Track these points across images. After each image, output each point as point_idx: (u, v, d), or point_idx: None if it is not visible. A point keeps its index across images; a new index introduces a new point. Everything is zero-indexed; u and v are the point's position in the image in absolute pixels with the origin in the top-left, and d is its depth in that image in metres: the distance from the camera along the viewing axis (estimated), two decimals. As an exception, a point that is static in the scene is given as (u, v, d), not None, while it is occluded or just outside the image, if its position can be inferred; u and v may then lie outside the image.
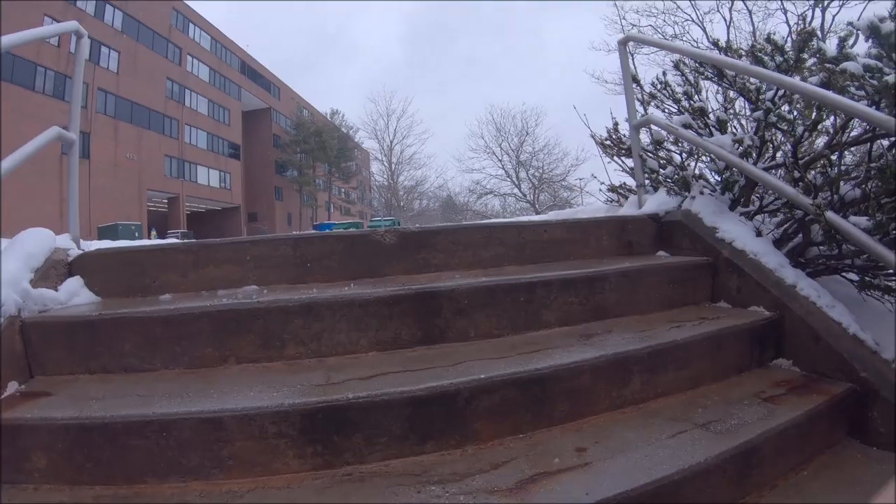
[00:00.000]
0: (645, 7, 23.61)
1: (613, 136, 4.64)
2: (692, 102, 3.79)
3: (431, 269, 2.90)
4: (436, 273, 2.88)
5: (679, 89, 3.96)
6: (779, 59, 3.20)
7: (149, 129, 39.48)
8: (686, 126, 3.66)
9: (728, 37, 20.77)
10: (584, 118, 4.95)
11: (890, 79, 2.37)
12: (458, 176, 56.29)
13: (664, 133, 3.95)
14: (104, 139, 34.62)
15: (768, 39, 3.36)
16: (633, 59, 4.36)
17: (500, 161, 50.12)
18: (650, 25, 22.13)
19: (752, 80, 3.34)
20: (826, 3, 19.82)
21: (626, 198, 4.39)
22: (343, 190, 71.25)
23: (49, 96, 30.43)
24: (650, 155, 4.13)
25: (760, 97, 3.28)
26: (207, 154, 46.42)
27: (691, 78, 3.87)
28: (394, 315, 2.32)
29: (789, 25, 20.08)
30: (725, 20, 21.90)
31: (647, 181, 4.08)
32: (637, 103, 4.21)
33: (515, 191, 50.13)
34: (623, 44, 4.19)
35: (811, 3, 20.16)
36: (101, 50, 35.21)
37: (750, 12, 21.34)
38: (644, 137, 4.30)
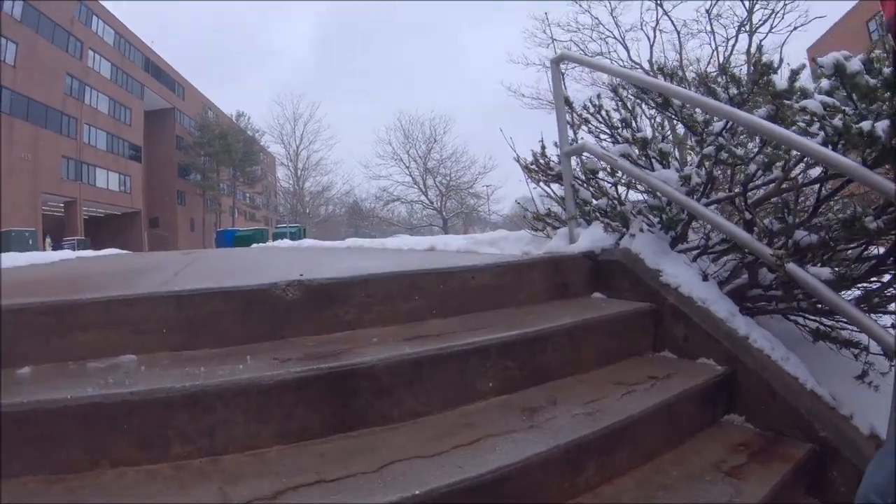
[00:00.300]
0: (567, 22, 23.15)
1: (541, 161, 4.34)
2: (633, 132, 3.56)
3: (343, 328, 2.46)
4: (348, 332, 2.45)
5: (616, 115, 3.76)
6: (733, 91, 3.05)
7: (45, 129, 37.12)
8: (624, 156, 3.38)
9: (651, 56, 20.66)
10: (511, 141, 4.66)
11: (865, 125, 2.23)
12: (365, 182, 56.43)
13: (599, 162, 3.71)
14: (-3, 137, 32.33)
15: (723, 70, 3.26)
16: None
17: (408, 168, 50.74)
18: (572, 41, 22.00)
19: (697, 111, 3.16)
20: (754, 28, 20.92)
21: (554, 228, 4.14)
22: (248, 195, 69.52)
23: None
24: (582, 185, 3.90)
25: (707, 129, 3.09)
26: (107, 155, 44.10)
27: (629, 104, 3.67)
28: (301, 401, 1.91)
29: (713, 47, 21.19)
30: (649, 39, 21.89)
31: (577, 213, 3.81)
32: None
33: (423, 198, 50.83)
34: (556, 63, 3.87)
35: (735, 27, 21.14)
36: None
37: (678, 32, 21.49)
38: (573, 164, 4.02)
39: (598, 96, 3.96)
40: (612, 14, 21.42)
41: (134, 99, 48.47)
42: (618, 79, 3.83)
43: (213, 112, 62.92)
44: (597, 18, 21.94)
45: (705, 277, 2.96)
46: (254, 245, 25.49)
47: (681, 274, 2.94)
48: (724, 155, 2.91)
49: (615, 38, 21.88)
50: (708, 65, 20.19)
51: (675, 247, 3.26)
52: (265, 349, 2.23)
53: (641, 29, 22.06)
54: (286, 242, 17.11)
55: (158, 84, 53.02)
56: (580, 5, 22.21)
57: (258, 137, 63.61)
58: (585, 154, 3.78)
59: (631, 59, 21.05)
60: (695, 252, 3.22)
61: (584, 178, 3.93)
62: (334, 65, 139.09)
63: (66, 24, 39.21)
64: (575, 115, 4.09)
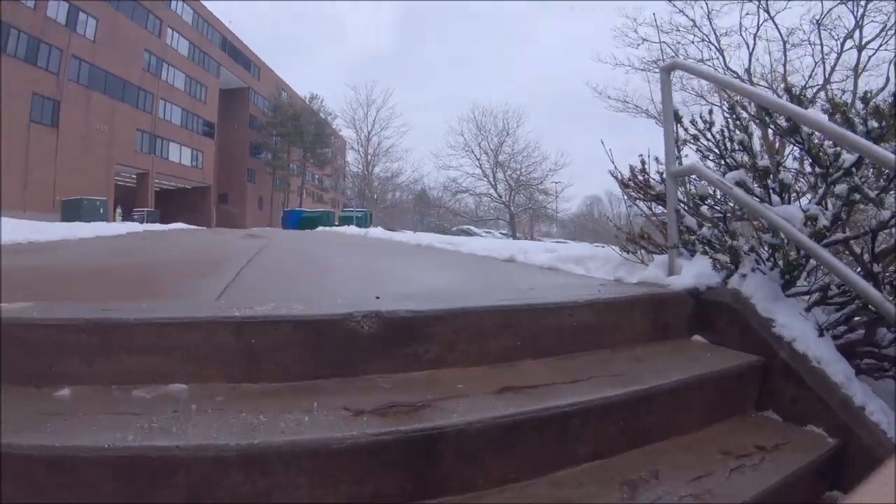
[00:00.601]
0: (661, 22, 20.47)
1: (639, 178, 4.05)
2: (753, 158, 3.18)
3: (423, 366, 2.19)
4: (429, 371, 2.18)
5: (734, 136, 3.39)
6: (873, 125, 2.67)
7: (122, 102, 38.20)
8: (739, 184, 3.00)
9: (750, 65, 18.56)
10: (610, 153, 4.16)
11: None
12: (434, 172, 55.90)
13: (709, 187, 3.33)
14: (75, 108, 33.50)
15: (864, 101, 2.84)
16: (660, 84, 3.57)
17: (479, 160, 50.30)
18: (664, 43, 19.81)
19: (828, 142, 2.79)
20: (864, 42, 18.50)
21: (647, 251, 3.80)
22: (317, 176, 70.40)
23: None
24: (688, 210, 3.52)
25: (835, 163, 2.73)
26: (181, 131, 45.21)
27: (744, 124, 3.34)
28: (376, 466, 1.65)
29: (815, 60, 18.86)
30: (748, 46, 19.04)
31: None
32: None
33: (491, 191, 50.40)
34: (667, 71, 3.42)
35: (840, 39, 18.64)
36: (79, 16, 33.98)
37: (784, 41, 18.70)
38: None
39: (711, 112, 3.61)
40: (708, 17, 19.00)
41: (210, 77, 49.50)
42: (737, 96, 3.48)
43: (286, 93, 63.88)
44: (692, 20, 19.41)
45: (821, 332, 2.58)
46: (320, 228, 25.56)
47: (795, 326, 2.59)
48: (856, 196, 2.60)
49: (710, 42, 19.28)
50: (810, 78, 18.37)
51: (787, 290, 2.89)
52: (334, 389, 1.98)
53: (740, 34, 19.14)
54: (352, 230, 17.01)
55: (235, 63, 53.91)
56: (674, 5, 19.74)
57: (330, 120, 64.23)
58: (694, 177, 3.49)
59: (727, 66, 18.64)
60: (809, 300, 2.83)
61: (689, 203, 3.57)
62: (409, 52, 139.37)
63: (146, 2, 40.22)
64: (683, 130, 3.70)
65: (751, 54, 18.48)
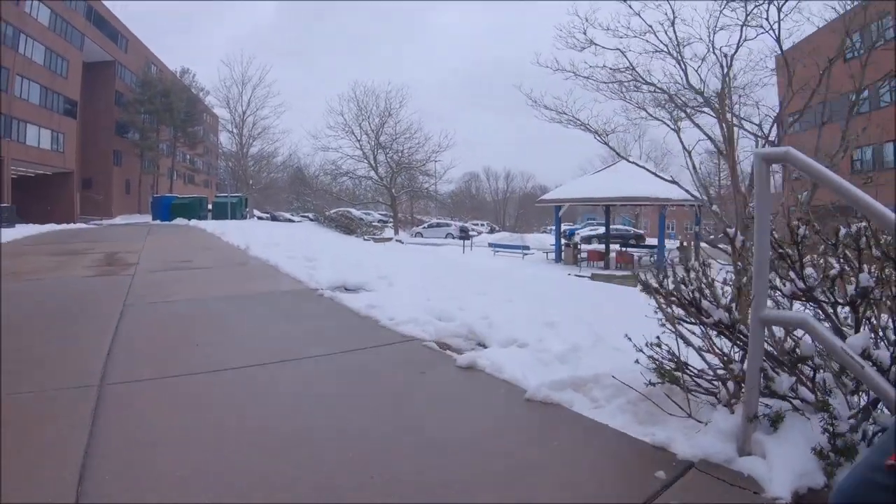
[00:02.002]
0: (613, 26, 16.67)
1: (688, 296, 3.02)
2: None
3: None
4: None
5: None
6: None
7: (-29, 80, 34.35)
8: (865, 355, 2.18)
9: (727, 86, 15.20)
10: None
11: None
12: (313, 154, 53.70)
13: (814, 345, 2.53)
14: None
15: None
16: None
17: (359, 141, 49.36)
18: (618, 48, 16.63)
19: None
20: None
21: (686, 390, 2.94)
22: (188, 156, 66.71)
23: None
24: (775, 368, 2.66)
25: None
26: (40, 111, 41.17)
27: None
28: None
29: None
30: (722, 63, 15.37)
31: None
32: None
33: (372, 173, 49.79)
34: (767, 161, 2.36)
35: None
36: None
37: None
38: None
39: (800, 226, 2.68)
40: (672, 23, 15.72)
41: (73, 49, 45.34)
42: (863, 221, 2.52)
43: (156, 67, 59.79)
44: (650, 26, 16.09)
45: None
46: (195, 225, 23.81)
47: None
48: None
49: (668, 52, 16.01)
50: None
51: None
52: None
53: (711, 49, 15.75)
54: (231, 236, 14.20)
55: (100, 34, 49.83)
56: (630, 6, 16.36)
57: (202, 96, 60.83)
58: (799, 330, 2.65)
59: (688, 83, 15.65)
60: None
61: (779, 356, 2.71)
62: (295, 28, 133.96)
63: (3, -32, 36.08)
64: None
65: (726, 73, 15.32)
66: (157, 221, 37.41)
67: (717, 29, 15.34)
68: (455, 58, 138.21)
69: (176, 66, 63.01)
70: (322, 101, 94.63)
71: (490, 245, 33.72)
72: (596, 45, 16.47)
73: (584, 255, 30.57)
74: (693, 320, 3.05)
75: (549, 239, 46.69)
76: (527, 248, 32.30)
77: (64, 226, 24.32)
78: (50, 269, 9.51)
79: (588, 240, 42.16)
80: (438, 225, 51.04)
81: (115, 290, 7.17)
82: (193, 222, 29.06)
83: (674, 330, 3.12)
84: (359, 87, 49.13)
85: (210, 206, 43.72)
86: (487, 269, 15.45)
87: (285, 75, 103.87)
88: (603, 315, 6.68)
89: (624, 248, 32.32)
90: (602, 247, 33.72)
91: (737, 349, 2.91)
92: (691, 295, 2.99)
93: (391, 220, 51.70)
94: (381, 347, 4.69)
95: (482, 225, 63.17)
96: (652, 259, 29.62)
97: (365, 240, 29.92)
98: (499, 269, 17.14)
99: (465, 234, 45.54)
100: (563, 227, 49.67)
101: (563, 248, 31.68)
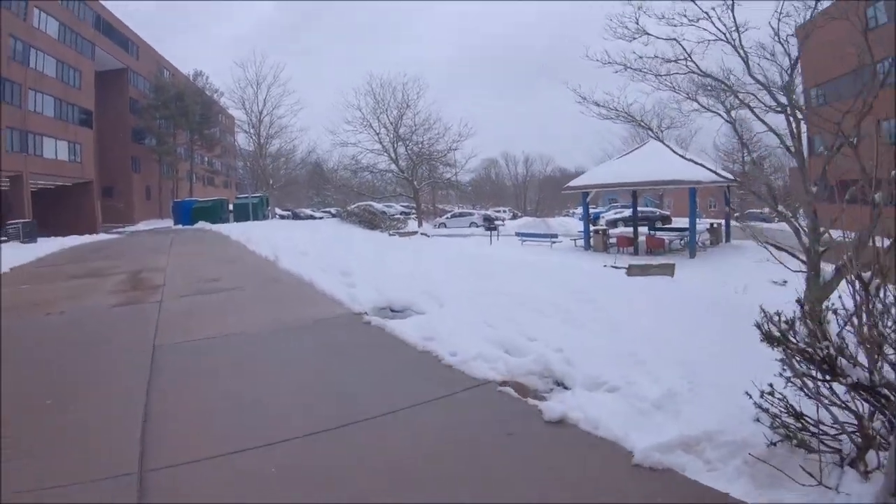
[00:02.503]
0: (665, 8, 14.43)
1: (823, 351, 2.64)
2: None
3: None
4: None
5: None
6: None
7: (-15, 98, 33.96)
8: None
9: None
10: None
11: None
12: (333, 150, 52.74)
13: None
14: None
15: None
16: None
17: (378, 135, 48.72)
18: (672, 38, 14.15)
19: None
20: None
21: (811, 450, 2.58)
22: (206, 158, 66.60)
23: None
24: None
25: None
26: (56, 123, 40.85)
27: None
28: None
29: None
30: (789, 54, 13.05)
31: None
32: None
33: (393, 167, 49.14)
34: None
35: None
36: (-73, 1, 29.70)
37: None
38: None
39: None
40: (731, 7, 13.02)
41: (84, 59, 44.99)
42: None
43: (168, 71, 59.61)
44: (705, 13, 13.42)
45: None
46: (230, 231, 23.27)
47: None
48: None
49: (727, 41, 13.44)
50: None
51: None
52: None
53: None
54: (259, 248, 13.62)
55: (110, 43, 49.45)
56: None
57: (217, 98, 60.52)
58: None
59: (750, 74, 13.24)
60: None
61: None
62: (299, 20, 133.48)
63: (7, -19, 35.67)
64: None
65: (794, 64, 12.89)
66: (180, 226, 37.34)
67: (783, 15, 13.34)
68: (463, 36, 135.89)
69: (188, 69, 62.65)
70: (336, 95, 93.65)
71: (517, 234, 32.81)
72: (648, 34, 14.44)
73: (612, 240, 29.71)
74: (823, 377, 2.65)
75: (573, 223, 46.03)
76: (555, 236, 31.47)
77: (86, 237, 24.07)
78: (71, 297, 9.00)
79: (614, 223, 41.06)
80: (462, 214, 50.04)
81: (141, 325, 6.66)
82: (217, 227, 28.77)
83: (801, 386, 2.76)
84: (374, 80, 48.45)
85: (231, 208, 43.52)
86: (523, 265, 14.83)
87: (296, 71, 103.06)
88: (675, 333, 5.96)
89: (653, 232, 31.22)
90: (630, 230, 32.93)
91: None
92: (825, 352, 2.58)
93: (413, 211, 51.03)
94: (454, 397, 4.10)
95: (504, 211, 62.19)
96: (682, 243, 28.85)
97: (390, 234, 29.55)
98: (534, 264, 16.48)
99: (489, 223, 44.91)
100: (595, 212, 49.01)
101: (591, 234, 30.71)
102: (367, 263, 10.80)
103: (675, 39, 14.03)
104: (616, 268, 17.45)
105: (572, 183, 33.44)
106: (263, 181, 51.43)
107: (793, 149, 11.81)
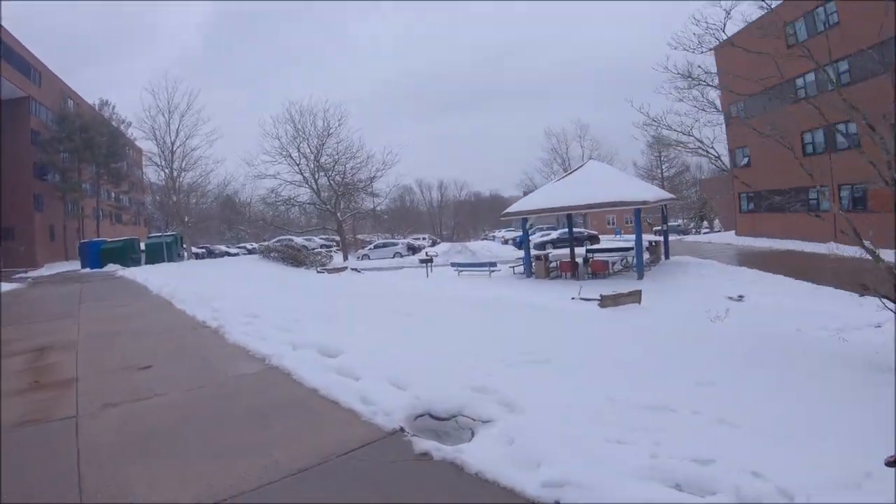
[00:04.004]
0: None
1: None
2: None
3: None
4: None
5: None
6: None
7: None
8: None
9: None
10: None
11: None
12: (248, 182, 49.41)
13: None
14: None
15: None
16: None
17: (298, 165, 46.79)
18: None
19: None
20: None
21: None
22: (114, 194, 62.49)
23: None
24: None
25: None
26: (-53, 158, 37.08)
27: None
28: None
29: None
30: None
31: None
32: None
33: (315, 198, 47.22)
34: None
35: None
36: None
37: None
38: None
39: None
40: None
41: (-21, 87, 41.19)
42: None
43: (73, 101, 55.59)
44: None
45: None
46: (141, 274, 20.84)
47: None
48: None
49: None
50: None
51: None
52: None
53: None
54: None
55: (11, 68, 45.31)
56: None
57: (125, 129, 57.04)
58: None
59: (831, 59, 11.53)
60: None
61: None
62: (223, 54, 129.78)
63: None
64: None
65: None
66: (88, 269, 34.68)
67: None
68: (384, 68, 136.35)
69: (94, 98, 58.85)
70: (256, 126, 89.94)
71: (453, 265, 31.44)
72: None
73: (553, 264, 28.91)
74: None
75: (495, 247, 46.86)
76: (493, 264, 30.30)
77: (-19, 288, 20.94)
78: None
79: (542, 246, 40.83)
80: (385, 245, 48.44)
81: (50, 476, 4.19)
82: (130, 271, 26.44)
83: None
84: (294, 107, 46.53)
85: (143, 248, 40.58)
86: (493, 305, 13.73)
87: (215, 100, 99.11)
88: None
89: (591, 255, 30.35)
90: (563, 252, 32.73)
91: None
92: None
93: (334, 244, 49.21)
94: None
95: (424, 239, 61.28)
96: (623, 263, 28.54)
97: (318, 272, 28.69)
98: (497, 300, 15.37)
99: (414, 252, 44.35)
100: (514, 234, 49.10)
101: (532, 261, 29.73)
102: (337, 328, 8.99)
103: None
104: (586, 300, 16.40)
105: (511, 209, 32.24)
106: (177, 217, 48.19)
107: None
